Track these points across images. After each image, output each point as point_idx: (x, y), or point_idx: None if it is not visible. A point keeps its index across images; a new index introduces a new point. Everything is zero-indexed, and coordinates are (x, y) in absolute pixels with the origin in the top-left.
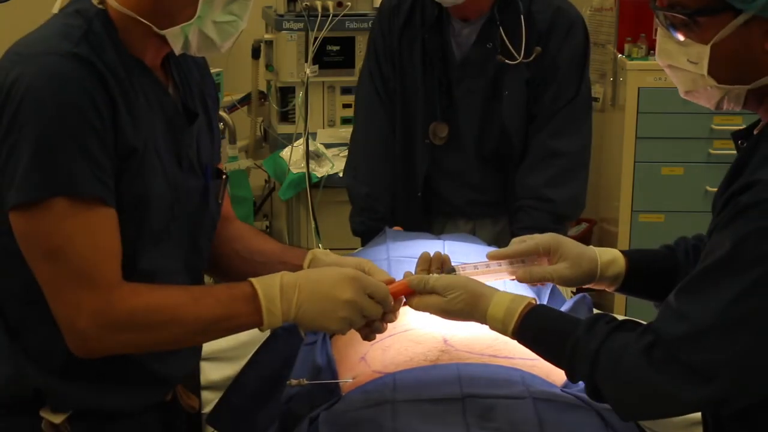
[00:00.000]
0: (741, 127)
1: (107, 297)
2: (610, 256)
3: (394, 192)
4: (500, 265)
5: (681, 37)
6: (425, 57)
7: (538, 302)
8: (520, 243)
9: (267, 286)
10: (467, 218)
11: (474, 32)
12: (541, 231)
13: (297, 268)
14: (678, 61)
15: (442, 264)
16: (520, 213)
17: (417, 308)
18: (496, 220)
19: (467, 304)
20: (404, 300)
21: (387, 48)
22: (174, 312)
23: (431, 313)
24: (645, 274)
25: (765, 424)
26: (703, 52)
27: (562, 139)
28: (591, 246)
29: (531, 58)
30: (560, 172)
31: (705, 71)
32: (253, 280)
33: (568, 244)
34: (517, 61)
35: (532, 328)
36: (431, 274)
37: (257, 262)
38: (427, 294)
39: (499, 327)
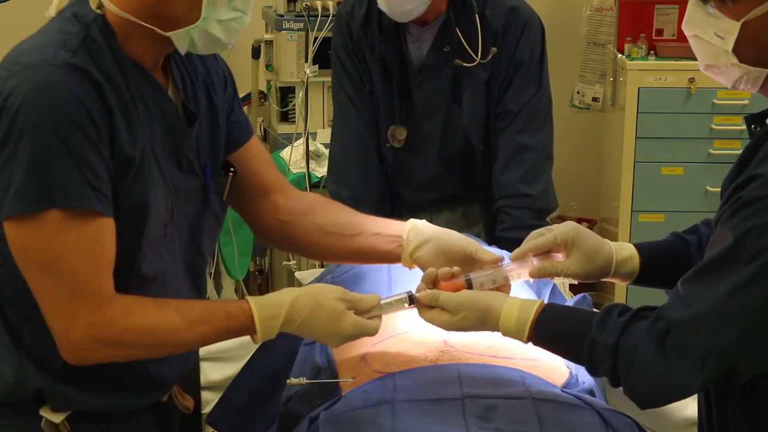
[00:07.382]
0: (754, 113)
1: (100, 312)
2: (627, 253)
3: (383, 193)
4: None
5: (713, 9)
6: (384, 63)
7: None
8: (538, 236)
9: (266, 306)
10: (424, 212)
11: (431, 36)
12: (524, 229)
13: (394, 239)
14: (704, 33)
15: (452, 276)
16: (501, 215)
17: (430, 322)
18: (453, 208)
19: (478, 320)
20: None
21: (350, 51)
22: (167, 337)
23: (443, 329)
24: (659, 270)
25: (765, 398)
26: (733, 28)
27: (530, 134)
28: (608, 241)
29: (488, 59)
30: (532, 167)
31: (730, 47)
32: (251, 299)
33: (585, 236)
34: (475, 63)
35: (547, 334)
36: (441, 291)
37: (346, 235)
38: (438, 310)
39: (513, 336)
